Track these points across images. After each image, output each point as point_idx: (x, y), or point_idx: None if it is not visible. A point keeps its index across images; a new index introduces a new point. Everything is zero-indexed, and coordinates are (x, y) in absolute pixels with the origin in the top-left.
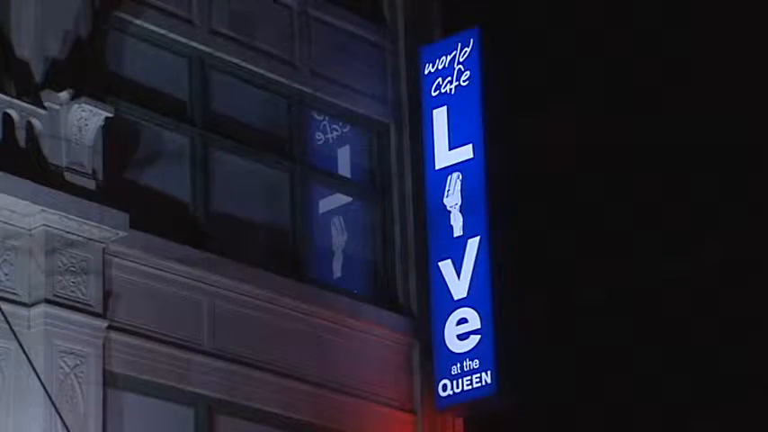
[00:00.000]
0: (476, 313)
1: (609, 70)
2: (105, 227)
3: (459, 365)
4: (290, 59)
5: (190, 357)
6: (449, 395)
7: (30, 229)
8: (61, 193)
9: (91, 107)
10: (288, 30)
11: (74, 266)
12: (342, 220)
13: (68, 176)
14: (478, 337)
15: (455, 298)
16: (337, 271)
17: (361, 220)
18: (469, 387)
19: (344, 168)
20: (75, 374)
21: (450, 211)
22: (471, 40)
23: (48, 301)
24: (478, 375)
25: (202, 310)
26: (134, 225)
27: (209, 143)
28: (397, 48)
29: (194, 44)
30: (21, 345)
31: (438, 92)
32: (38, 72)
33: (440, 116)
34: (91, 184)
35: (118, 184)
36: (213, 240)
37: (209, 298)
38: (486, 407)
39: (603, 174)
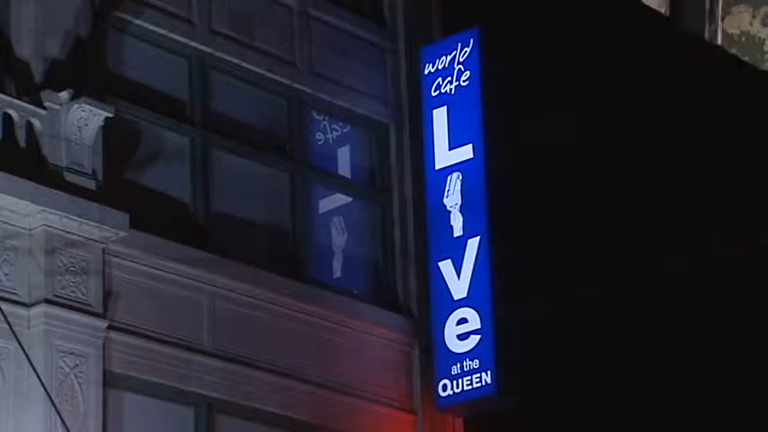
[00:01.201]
0: (476, 313)
1: (609, 70)
2: (105, 227)
3: (459, 365)
4: (290, 59)
5: (190, 357)
6: (449, 395)
7: (30, 229)
8: (61, 193)
9: (91, 107)
10: (288, 30)
11: (74, 266)
12: (342, 220)
13: (68, 176)
14: (478, 337)
15: (455, 298)
16: (337, 271)
17: (361, 220)
18: (469, 387)
19: (344, 168)
20: (75, 374)
21: (450, 211)
22: (471, 40)
23: (48, 301)
24: (478, 375)
25: (202, 310)
26: (134, 225)
27: (209, 143)
28: (397, 48)
29: (194, 44)
30: (21, 345)
31: (438, 92)
32: (38, 72)
33: (440, 116)
34: (91, 184)
35: (118, 184)
36: (213, 240)
37: (209, 298)
38: (486, 407)
39: (603, 174)
